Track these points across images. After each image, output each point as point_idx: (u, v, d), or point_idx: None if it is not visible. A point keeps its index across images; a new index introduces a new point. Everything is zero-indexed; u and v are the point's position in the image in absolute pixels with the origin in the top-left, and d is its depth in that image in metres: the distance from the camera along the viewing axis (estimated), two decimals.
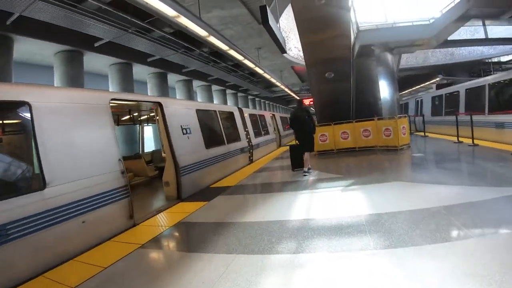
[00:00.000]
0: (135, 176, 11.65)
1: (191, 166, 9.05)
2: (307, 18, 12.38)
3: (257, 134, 16.72)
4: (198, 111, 10.32)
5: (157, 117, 8.67)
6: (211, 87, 25.61)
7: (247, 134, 14.67)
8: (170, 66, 17.97)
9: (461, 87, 15.72)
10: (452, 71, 30.31)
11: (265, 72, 18.42)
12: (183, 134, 9.06)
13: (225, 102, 28.75)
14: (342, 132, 14.05)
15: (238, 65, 20.12)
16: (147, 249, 4.88)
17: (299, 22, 12.60)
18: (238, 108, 14.66)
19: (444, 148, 12.23)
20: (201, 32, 9.90)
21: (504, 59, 30.70)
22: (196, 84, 23.84)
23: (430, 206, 5.15)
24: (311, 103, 34.98)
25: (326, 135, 14.11)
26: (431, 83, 30.40)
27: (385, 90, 14.00)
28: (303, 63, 24.08)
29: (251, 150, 14.61)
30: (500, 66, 31.39)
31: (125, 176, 6.23)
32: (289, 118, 10.77)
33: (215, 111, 11.80)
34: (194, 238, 5.31)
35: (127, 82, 15.79)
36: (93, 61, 14.43)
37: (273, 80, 22.20)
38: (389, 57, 14.07)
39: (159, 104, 8.44)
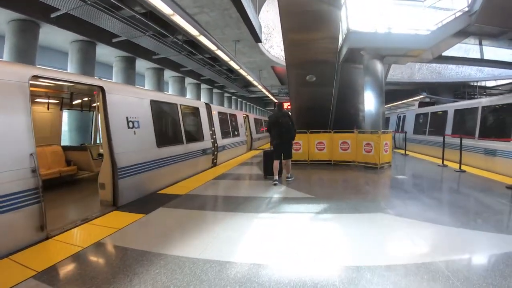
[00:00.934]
0: (79, 170, 10.02)
1: (135, 167, 7.50)
2: (293, 13, 10.97)
3: (225, 134, 15.14)
4: (153, 102, 8.70)
5: (98, 104, 7.09)
6: (184, 80, 23.88)
7: (213, 133, 13.12)
8: (140, 50, 16.32)
9: (450, 107, 14.73)
10: (437, 91, 29.98)
11: (241, 67, 16.88)
12: (129, 127, 7.46)
13: (198, 97, 27.01)
14: (318, 142, 12.71)
15: (215, 59, 18.80)
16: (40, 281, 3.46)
17: (284, 16, 11.17)
18: (206, 104, 13.08)
19: (429, 171, 11.03)
20: (165, 9, 8.38)
21: (489, 84, 30.09)
22: (168, 74, 22.09)
23: (427, 260, 3.81)
24: (289, 107, 33.98)
25: (300, 144, 12.75)
26: (414, 100, 29.57)
27: (370, 101, 12.67)
28: (284, 63, 23.05)
29: (215, 152, 13.06)
30: (484, 91, 30.91)
31: (37, 176, 4.72)
32: (268, 121, 9.79)
33: (175, 104, 10.14)
34: (103, 272, 3.74)
35: (88, 63, 14.15)
36: (52, 35, 12.97)
37: (249, 78, 20.62)
38: (378, 66, 12.71)
39: (101, 89, 6.84)
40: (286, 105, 33.16)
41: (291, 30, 11.78)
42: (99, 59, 17.38)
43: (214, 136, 13.16)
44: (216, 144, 13.14)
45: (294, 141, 11.18)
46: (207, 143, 12.07)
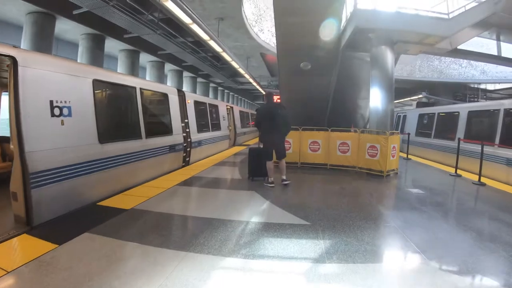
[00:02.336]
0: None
1: (64, 170, 5.40)
2: None
3: (202, 128, 12.95)
4: (97, 83, 6.51)
5: (9, 82, 4.82)
6: (164, 66, 21.56)
7: (186, 126, 10.93)
8: (110, 28, 14.07)
9: (463, 108, 13.10)
10: (436, 91, 28.00)
11: (224, 50, 14.55)
12: (53, 115, 5.29)
13: (180, 86, 24.69)
14: (311, 142, 10.63)
15: (199, 43, 16.81)
16: None
17: None
18: (178, 90, 10.86)
19: (444, 184, 9.07)
20: None
21: (489, 87, 28.48)
22: (146, 58, 19.80)
23: None
24: (279, 100, 31.69)
25: (290, 143, 10.59)
26: (412, 99, 27.81)
27: (377, 97, 10.57)
28: (275, 51, 20.46)
29: (188, 149, 10.90)
30: (485, 94, 29.34)
31: None
32: (258, 113, 8.28)
33: (133, 88, 7.90)
34: None
35: (45, 39, 12.36)
36: (6, 6, 11.87)
37: (235, 65, 18.30)
38: (388, 55, 10.55)
39: (13, 61, 4.71)
40: (275, 98, 31.18)
41: (285, 9, 9.84)
42: (62, 36, 15.28)
43: (188, 130, 10.98)
44: (189, 139, 10.97)
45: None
46: (177, 138, 9.88)
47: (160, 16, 13.23)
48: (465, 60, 25.73)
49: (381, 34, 10.32)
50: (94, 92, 6.34)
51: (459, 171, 10.29)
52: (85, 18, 12.82)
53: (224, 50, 14.34)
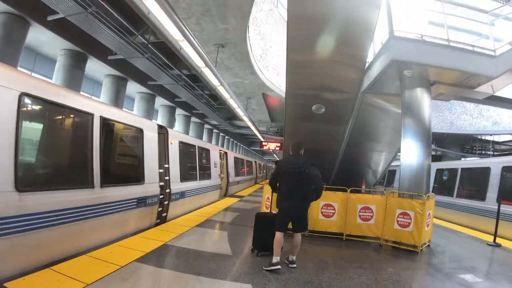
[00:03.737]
0: None
1: None
2: (307, 17, 7.55)
3: (188, 175, 10.68)
4: (27, 98, 4.43)
5: None
6: (154, 99, 19.38)
7: (165, 173, 8.59)
8: (94, 45, 11.96)
9: (495, 163, 11.44)
10: (445, 143, 27.38)
11: (221, 84, 12.33)
12: None
13: (172, 124, 22.46)
14: (324, 205, 8.23)
15: (196, 78, 15.14)
16: None
17: (292, 25, 7.77)
18: (160, 126, 8.65)
19: (495, 260, 7.40)
20: None
21: (496, 138, 27.34)
22: (135, 88, 17.65)
23: None
24: (277, 148, 29.53)
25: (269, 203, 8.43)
26: None
27: (411, 151, 8.32)
28: (280, 92, 18.69)
29: (166, 202, 8.52)
30: (493, 146, 27.80)
31: None
32: (277, 169, 6.21)
33: (90, 114, 5.63)
34: None
35: (11, 42, 10.08)
36: None
37: (233, 104, 16.07)
38: (425, 98, 8.42)
39: None
40: (274, 146, 29.02)
41: (299, 43, 8.32)
42: (40, 49, 13.51)
43: (167, 178, 8.64)
44: (168, 190, 8.60)
45: None
46: (149, 188, 7.55)
47: (152, 39, 11.43)
48: (477, 111, 24.67)
49: (418, 71, 8.30)
50: (19, 112, 4.07)
51: (485, 236, 9.21)
52: (63, 29, 10.84)
53: (221, 84, 12.15)
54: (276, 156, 62.76)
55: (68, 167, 5.57)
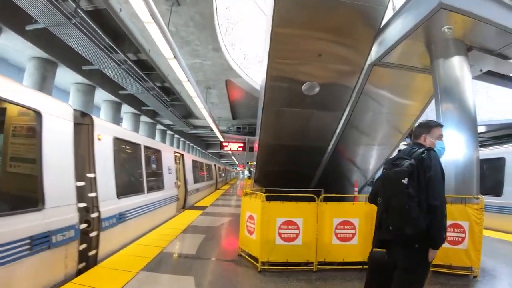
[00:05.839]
0: None
1: None
2: None
3: (130, 188, 7.52)
4: None
5: None
6: (94, 91, 15.98)
7: (90, 187, 5.47)
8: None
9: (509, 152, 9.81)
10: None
11: (175, 56, 8.90)
12: None
13: (117, 122, 19.02)
14: (284, 222, 5.58)
15: (145, 65, 13.12)
16: None
17: None
18: (79, 113, 5.53)
19: None
20: None
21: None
22: (69, 77, 14.29)
23: None
24: (240, 149, 26.55)
25: (254, 220, 5.92)
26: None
27: (456, 142, 5.93)
28: (248, 79, 15.96)
29: (95, 233, 5.42)
30: None
31: None
32: (385, 172, 3.14)
33: None
34: None
35: None
36: None
37: (190, 91, 12.55)
38: (465, 68, 6.13)
39: None
40: (236, 147, 26.06)
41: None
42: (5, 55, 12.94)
43: (93, 195, 5.52)
44: (96, 214, 5.51)
45: (249, 213, 6.13)
46: (56, 216, 4.40)
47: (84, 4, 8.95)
48: None
49: (458, 31, 5.95)
50: None
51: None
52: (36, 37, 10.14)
53: (175, 57, 8.84)
54: (235, 159, 59.80)
55: None
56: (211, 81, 16.68)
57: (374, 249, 3.26)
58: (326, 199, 5.86)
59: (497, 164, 9.91)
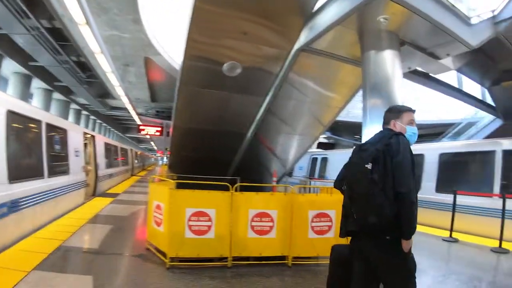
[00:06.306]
0: None
1: None
2: None
3: (26, 171, 6.57)
4: None
5: None
6: (1, 60, 14.42)
7: None
8: None
9: (430, 150, 10.83)
10: (338, 130, 27.78)
11: (87, 22, 7.81)
12: None
13: (25, 101, 16.96)
14: (194, 213, 5.11)
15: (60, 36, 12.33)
16: None
17: None
18: None
19: (466, 259, 6.37)
20: None
21: None
22: None
23: None
24: (157, 133, 25.37)
25: (161, 210, 5.44)
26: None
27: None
28: (168, 58, 15.20)
29: None
30: None
31: None
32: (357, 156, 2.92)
33: None
34: None
35: None
36: None
37: (105, 66, 11.83)
38: (397, 64, 6.16)
39: None
40: (153, 131, 24.99)
41: None
42: None
43: None
44: None
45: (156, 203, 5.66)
46: None
47: None
48: None
49: (397, 21, 5.91)
50: None
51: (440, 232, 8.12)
52: None
53: (87, 22, 7.81)
54: (153, 144, 57.85)
55: None
56: (130, 57, 15.57)
57: (344, 239, 3.14)
58: (243, 189, 5.58)
59: (417, 160, 10.36)
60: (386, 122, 3.14)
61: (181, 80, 7.99)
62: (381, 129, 3.11)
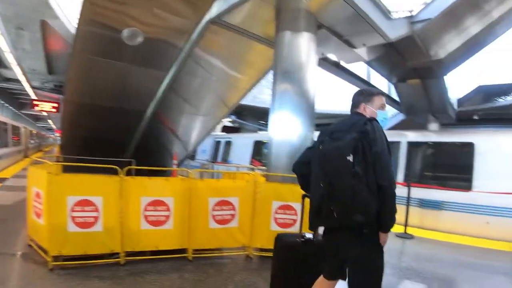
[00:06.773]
0: None
1: None
2: None
3: None
4: None
5: None
6: None
7: None
8: None
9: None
10: (242, 115, 27.59)
11: None
12: None
13: None
14: (78, 202, 4.40)
15: None
16: None
17: None
18: None
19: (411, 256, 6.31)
20: None
21: None
22: None
23: None
24: (53, 109, 22.95)
25: (41, 198, 4.52)
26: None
27: (291, 125, 5.98)
28: (67, 24, 13.44)
29: None
30: None
31: None
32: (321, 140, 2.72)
33: None
34: None
35: None
36: None
37: None
38: (313, 49, 6.03)
39: None
40: (49, 107, 22.64)
41: None
42: None
43: None
44: None
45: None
46: None
47: None
48: None
49: (318, 2, 5.99)
50: None
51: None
52: None
53: None
54: (52, 123, 53.30)
55: None
56: (24, 19, 13.40)
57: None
58: (139, 173, 5.06)
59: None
60: (355, 105, 2.93)
61: (74, 46, 7.30)
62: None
